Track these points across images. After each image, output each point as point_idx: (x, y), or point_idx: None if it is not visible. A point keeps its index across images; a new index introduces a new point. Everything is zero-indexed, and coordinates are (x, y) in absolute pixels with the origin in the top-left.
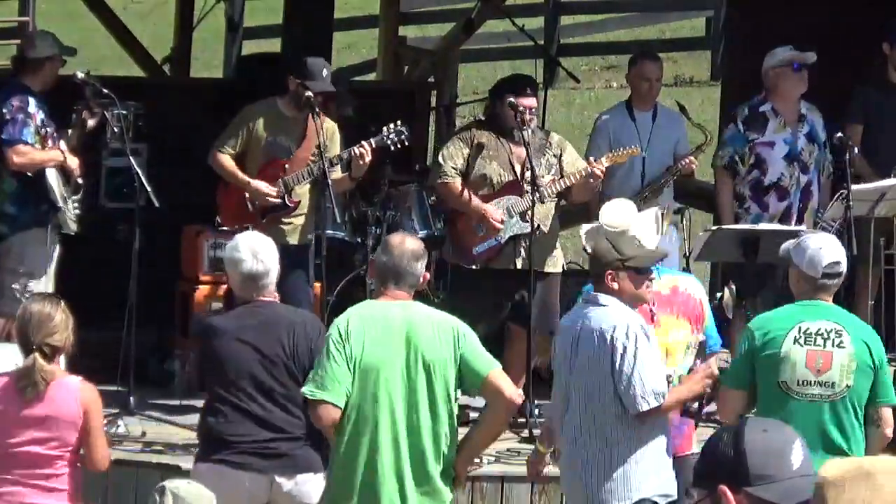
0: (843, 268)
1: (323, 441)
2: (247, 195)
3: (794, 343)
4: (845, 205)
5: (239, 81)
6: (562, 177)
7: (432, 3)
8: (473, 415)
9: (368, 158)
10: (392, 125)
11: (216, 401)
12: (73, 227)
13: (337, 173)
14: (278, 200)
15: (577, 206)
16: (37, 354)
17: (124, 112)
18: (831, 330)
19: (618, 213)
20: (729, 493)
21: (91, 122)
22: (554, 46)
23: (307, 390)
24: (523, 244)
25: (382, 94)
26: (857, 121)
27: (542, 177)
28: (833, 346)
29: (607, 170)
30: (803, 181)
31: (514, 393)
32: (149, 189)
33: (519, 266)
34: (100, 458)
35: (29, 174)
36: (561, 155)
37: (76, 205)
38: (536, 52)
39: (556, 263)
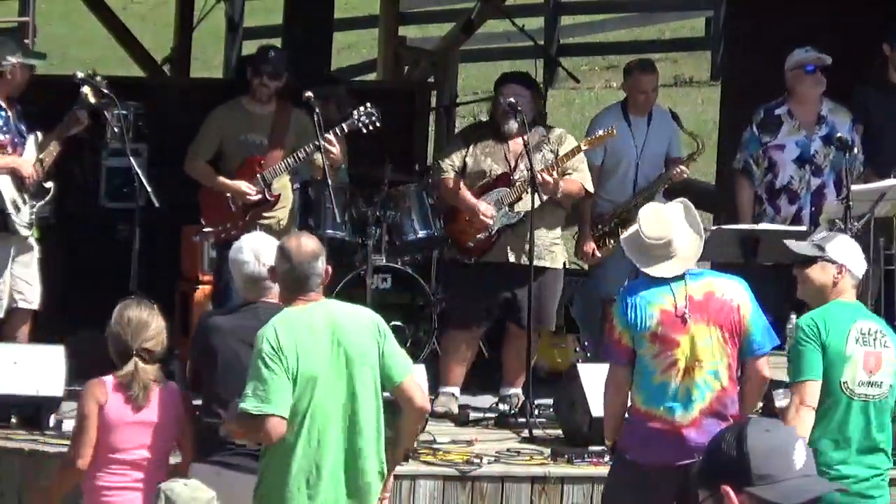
0: None
1: None
2: (227, 195)
3: (857, 343)
4: (845, 205)
5: (239, 81)
6: (553, 166)
7: (432, 3)
8: (474, 415)
9: (335, 148)
10: (362, 108)
11: (213, 401)
12: (24, 232)
13: (319, 162)
14: (258, 197)
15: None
16: (137, 360)
17: (124, 112)
18: (877, 330)
19: (658, 224)
20: (731, 494)
21: (82, 123)
22: (554, 46)
23: (251, 406)
24: (514, 237)
25: (382, 94)
26: (858, 121)
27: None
28: (881, 346)
29: (602, 173)
30: (815, 184)
31: (425, 401)
32: (149, 189)
33: (511, 259)
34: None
35: None
36: (558, 150)
37: (33, 211)
38: (536, 52)
39: (553, 259)
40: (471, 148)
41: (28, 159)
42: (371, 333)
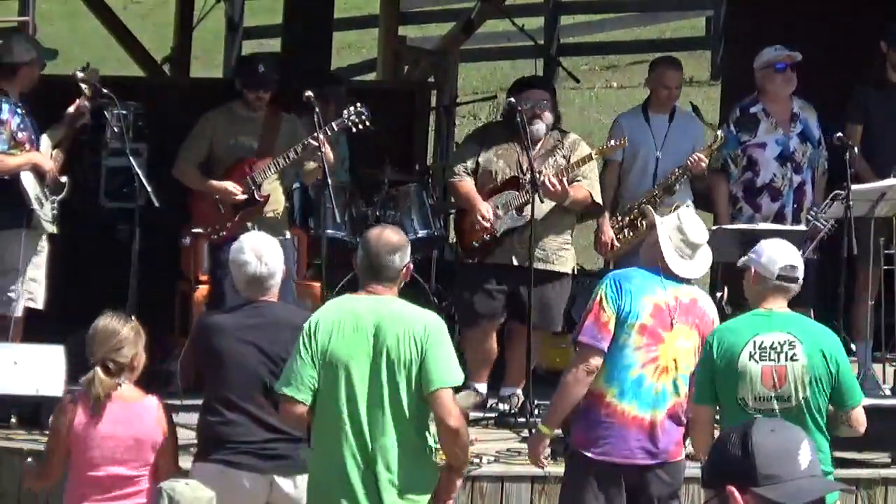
0: (800, 273)
1: None
2: (216, 196)
3: (750, 359)
4: (845, 205)
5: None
6: (564, 172)
7: (432, 3)
8: (474, 414)
9: (326, 147)
10: (353, 107)
11: (215, 399)
12: (48, 227)
13: (311, 164)
14: (245, 197)
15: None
16: (98, 369)
17: (124, 112)
18: (784, 342)
19: (698, 227)
20: (737, 494)
21: (83, 119)
22: (554, 46)
23: (276, 385)
24: (519, 240)
25: (382, 94)
26: (857, 121)
27: (540, 172)
28: (786, 359)
29: (623, 170)
30: (796, 181)
31: (454, 418)
32: (149, 189)
33: (516, 263)
34: (170, 474)
35: (4, 178)
36: (571, 156)
37: (54, 205)
38: (536, 52)
39: (563, 263)
40: (483, 149)
41: (45, 154)
42: (415, 337)
